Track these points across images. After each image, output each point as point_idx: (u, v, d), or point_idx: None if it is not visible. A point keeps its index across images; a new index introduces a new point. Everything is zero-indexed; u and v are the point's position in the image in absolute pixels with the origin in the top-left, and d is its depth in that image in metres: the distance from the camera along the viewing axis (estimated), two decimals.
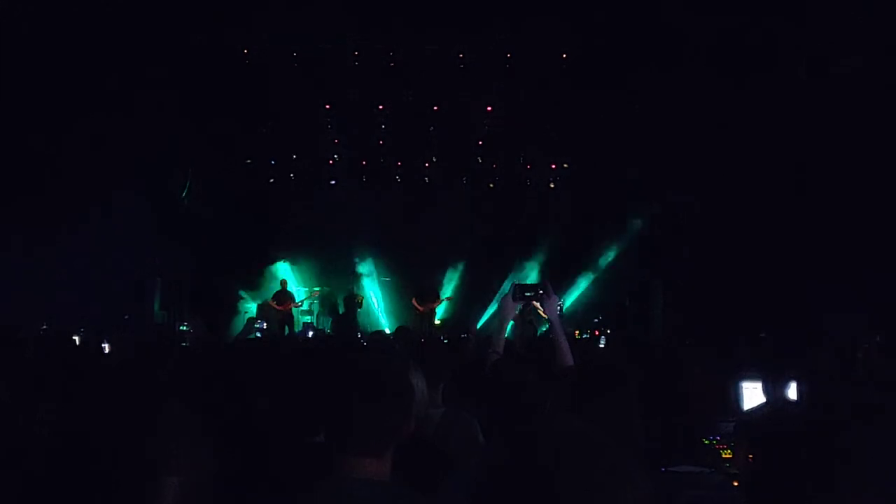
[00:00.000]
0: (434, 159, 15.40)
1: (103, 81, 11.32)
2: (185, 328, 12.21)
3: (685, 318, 11.02)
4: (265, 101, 14.59)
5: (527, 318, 12.74)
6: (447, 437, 3.02)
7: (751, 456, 2.93)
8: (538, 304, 3.78)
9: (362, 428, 1.85)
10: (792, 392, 3.92)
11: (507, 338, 4.23)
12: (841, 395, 3.90)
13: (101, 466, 1.50)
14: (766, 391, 3.97)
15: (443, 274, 15.49)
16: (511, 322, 4.41)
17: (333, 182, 15.58)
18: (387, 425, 1.88)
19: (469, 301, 15.17)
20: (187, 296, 13.26)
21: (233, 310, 14.49)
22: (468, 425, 3.11)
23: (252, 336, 11.04)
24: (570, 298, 14.70)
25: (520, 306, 3.85)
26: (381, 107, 14.87)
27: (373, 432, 1.86)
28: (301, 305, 14.58)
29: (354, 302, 14.43)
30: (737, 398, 4.07)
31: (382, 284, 15.60)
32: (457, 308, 15.14)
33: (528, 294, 3.75)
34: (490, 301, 14.58)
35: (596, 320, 14.04)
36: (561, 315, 12.63)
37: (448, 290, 15.27)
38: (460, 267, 15.60)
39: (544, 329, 10.35)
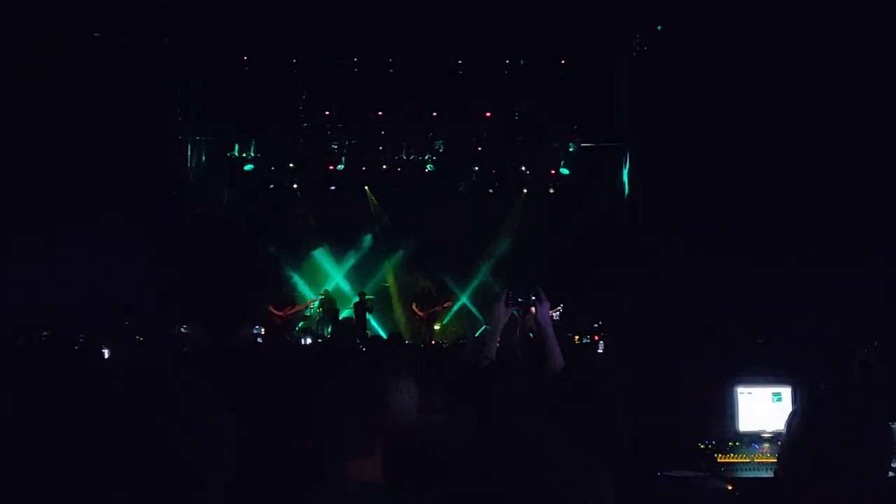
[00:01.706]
0: (433, 165, 15.44)
1: (100, 84, 11.34)
2: (185, 330, 12.16)
3: (682, 323, 11.02)
4: (264, 106, 14.63)
5: (527, 325, 12.69)
6: (445, 442, 3.05)
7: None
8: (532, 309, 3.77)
9: (344, 431, 1.90)
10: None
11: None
12: (835, 400, 3.92)
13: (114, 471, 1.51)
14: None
15: (444, 279, 15.51)
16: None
17: (333, 188, 15.64)
18: (365, 425, 1.93)
19: (469, 307, 15.23)
20: (187, 299, 13.21)
21: (236, 313, 14.42)
22: (466, 430, 3.14)
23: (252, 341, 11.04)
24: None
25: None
26: (380, 113, 14.90)
27: (353, 434, 1.91)
28: (303, 310, 14.59)
29: (364, 306, 14.40)
30: (732, 404, 4.09)
31: (382, 290, 15.62)
32: (458, 314, 15.20)
33: (521, 300, 3.73)
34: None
35: (596, 325, 14.03)
36: (560, 319, 12.61)
37: (449, 295, 15.29)
38: (462, 272, 15.64)
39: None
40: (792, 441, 2.01)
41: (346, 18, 12.50)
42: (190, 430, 1.50)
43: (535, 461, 1.11)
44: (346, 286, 15.64)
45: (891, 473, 2.10)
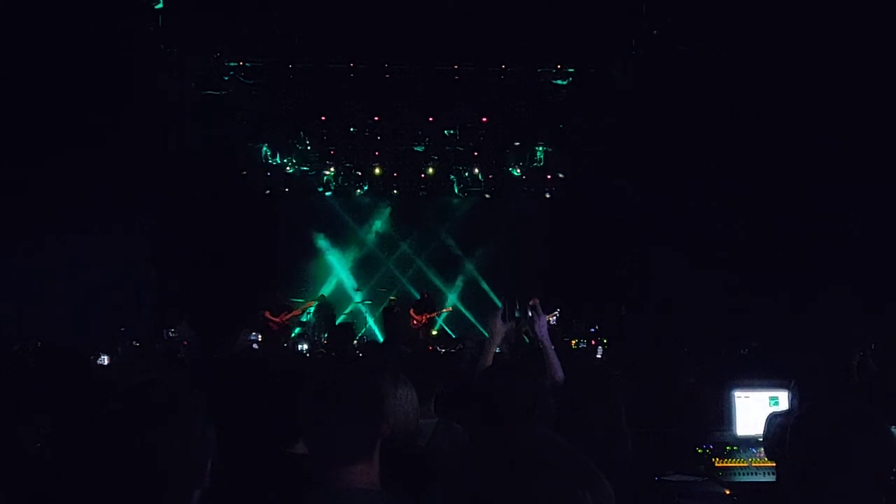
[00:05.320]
0: (430, 170, 15.45)
1: (96, 96, 11.32)
2: (173, 334, 12.12)
3: (680, 328, 11.03)
4: (262, 111, 14.65)
5: (523, 330, 12.69)
6: (439, 448, 3.04)
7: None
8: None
9: (338, 439, 1.89)
10: None
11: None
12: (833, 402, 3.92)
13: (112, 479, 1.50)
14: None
15: (442, 284, 15.51)
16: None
17: (329, 193, 15.66)
18: (363, 432, 1.92)
19: (468, 312, 15.23)
20: (181, 305, 13.17)
21: (231, 319, 14.37)
22: (460, 436, 3.12)
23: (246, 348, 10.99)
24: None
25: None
26: (376, 118, 14.91)
27: (351, 440, 1.89)
28: (300, 315, 14.54)
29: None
30: (729, 408, 4.09)
31: (379, 295, 15.61)
32: (455, 319, 15.19)
33: (518, 314, 3.69)
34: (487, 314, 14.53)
35: (592, 330, 14.03)
36: (557, 323, 12.58)
37: (446, 301, 15.29)
38: (459, 278, 15.64)
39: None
40: (783, 446, 1.99)
41: (345, 21, 12.50)
42: (169, 438, 1.49)
43: (534, 465, 1.11)
44: (349, 281, 15.66)
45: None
